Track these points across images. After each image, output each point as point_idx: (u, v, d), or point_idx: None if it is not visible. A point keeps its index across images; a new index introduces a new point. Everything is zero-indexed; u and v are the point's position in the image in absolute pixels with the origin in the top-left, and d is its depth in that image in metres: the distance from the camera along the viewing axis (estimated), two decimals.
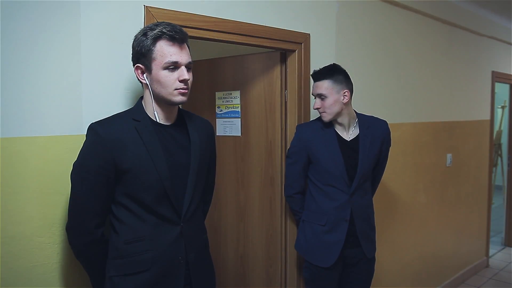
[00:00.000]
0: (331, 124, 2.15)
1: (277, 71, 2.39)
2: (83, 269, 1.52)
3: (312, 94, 2.18)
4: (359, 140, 2.16)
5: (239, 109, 2.56)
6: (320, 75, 2.12)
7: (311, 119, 2.43)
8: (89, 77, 1.58)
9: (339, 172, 2.11)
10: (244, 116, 2.53)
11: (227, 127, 2.63)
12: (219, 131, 2.63)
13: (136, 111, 1.47)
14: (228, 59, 2.59)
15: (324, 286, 2.16)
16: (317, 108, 2.11)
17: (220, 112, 2.64)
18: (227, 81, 2.59)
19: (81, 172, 1.39)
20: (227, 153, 2.59)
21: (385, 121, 2.28)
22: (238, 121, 2.57)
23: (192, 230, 1.51)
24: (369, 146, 2.16)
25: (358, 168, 2.13)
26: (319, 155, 2.13)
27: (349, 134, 2.17)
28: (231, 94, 2.57)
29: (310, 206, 2.19)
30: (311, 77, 2.18)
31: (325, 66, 2.14)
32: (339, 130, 2.16)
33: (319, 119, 2.19)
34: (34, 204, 1.47)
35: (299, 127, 2.25)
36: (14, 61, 1.41)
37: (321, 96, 2.09)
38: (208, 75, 2.65)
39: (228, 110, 2.60)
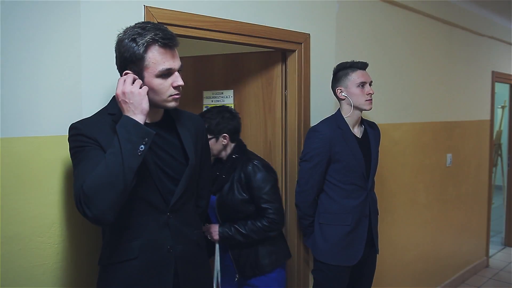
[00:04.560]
0: (344, 122, 2.17)
1: (277, 70, 2.38)
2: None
3: (361, 82, 2.14)
4: (368, 136, 2.26)
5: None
6: (366, 65, 2.21)
7: (311, 120, 2.43)
8: (89, 77, 1.58)
9: (361, 169, 2.16)
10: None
11: None
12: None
13: (110, 107, 1.45)
14: (218, 57, 2.47)
15: (340, 285, 2.18)
16: (371, 94, 2.16)
17: None
18: (217, 79, 2.47)
19: (76, 146, 1.34)
20: None
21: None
22: None
23: (179, 221, 1.49)
24: (374, 143, 2.28)
25: (371, 164, 2.22)
26: (342, 154, 2.13)
27: (358, 131, 2.24)
28: (222, 93, 2.47)
29: (330, 208, 2.17)
30: (358, 66, 2.17)
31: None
32: (351, 127, 2.20)
33: (329, 119, 2.21)
34: (34, 204, 1.47)
35: (317, 128, 2.19)
36: (14, 61, 1.41)
37: (371, 83, 2.18)
38: (194, 73, 2.50)
39: None
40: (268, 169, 2.07)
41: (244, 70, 2.44)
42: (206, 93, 2.51)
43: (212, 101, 2.49)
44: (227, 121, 2.04)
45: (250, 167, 2.02)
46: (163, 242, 1.45)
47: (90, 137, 1.34)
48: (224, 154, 2.10)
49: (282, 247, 2.15)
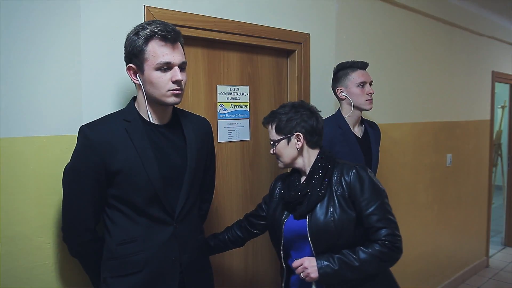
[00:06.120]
0: (345, 122, 2.17)
1: (285, 69, 2.37)
2: (82, 268, 1.52)
3: (361, 82, 2.13)
4: (368, 136, 2.24)
5: (247, 108, 2.21)
6: (366, 64, 2.17)
7: None
8: (89, 77, 1.58)
9: None
10: (254, 116, 2.25)
11: (233, 130, 2.16)
12: (222, 137, 2.12)
13: (127, 112, 1.45)
14: (234, 46, 2.15)
15: None
16: (371, 94, 2.15)
17: (224, 112, 2.12)
18: (232, 73, 2.17)
19: (71, 174, 1.38)
20: (233, 160, 2.19)
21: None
22: (246, 123, 2.21)
23: (186, 230, 1.49)
24: (375, 142, 2.27)
25: (372, 163, 2.21)
26: (342, 154, 2.08)
27: (359, 130, 2.24)
28: (238, 89, 2.17)
29: None
30: (358, 65, 2.16)
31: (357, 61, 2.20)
32: (351, 127, 2.19)
33: (330, 119, 2.20)
34: (34, 204, 1.47)
35: None
36: (14, 61, 1.41)
37: (371, 83, 2.16)
38: (206, 64, 2.06)
39: (235, 109, 2.16)
40: (375, 176, 1.59)
41: (259, 65, 2.27)
42: (220, 88, 2.11)
43: (227, 98, 2.13)
44: (301, 117, 1.58)
45: (353, 173, 1.53)
46: (170, 253, 1.45)
47: (96, 153, 1.35)
48: (302, 164, 1.61)
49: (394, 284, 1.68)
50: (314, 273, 1.45)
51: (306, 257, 1.49)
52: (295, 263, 1.50)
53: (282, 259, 1.62)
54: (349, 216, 1.49)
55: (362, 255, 1.45)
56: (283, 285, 1.65)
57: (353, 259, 1.44)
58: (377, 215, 1.48)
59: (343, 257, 1.45)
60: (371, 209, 1.48)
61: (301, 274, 1.48)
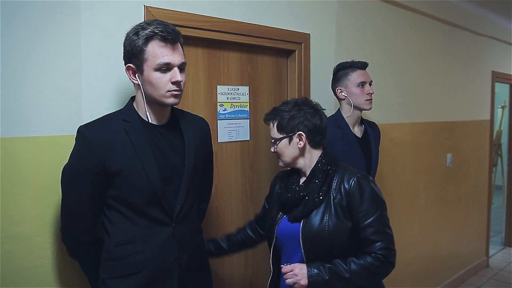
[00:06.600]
0: (345, 122, 2.16)
1: (285, 69, 2.37)
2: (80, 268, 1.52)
3: (361, 82, 2.13)
4: (368, 136, 2.24)
5: (247, 108, 2.22)
6: (366, 64, 2.16)
7: None
8: (89, 77, 1.58)
9: (361, 169, 2.10)
10: (254, 116, 2.25)
11: (233, 130, 2.16)
12: (222, 137, 2.12)
13: (126, 112, 1.45)
14: (234, 46, 2.15)
15: None
16: (371, 94, 2.14)
17: (224, 112, 2.12)
18: (232, 73, 2.16)
19: (69, 175, 1.38)
20: (233, 161, 2.18)
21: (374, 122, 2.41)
22: (246, 123, 2.22)
23: (185, 230, 1.49)
24: (375, 142, 2.27)
25: (372, 163, 2.20)
26: (342, 154, 2.02)
27: (358, 130, 2.23)
28: (238, 89, 2.18)
29: None
30: (358, 65, 2.15)
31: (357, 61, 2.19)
32: (351, 127, 2.19)
33: (329, 119, 2.15)
34: (34, 204, 1.47)
35: None
36: (15, 61, 1.41)
37: (371, 83, 2.16)
38: (207, 63, 2.06)
39: (235, 109, 2.16)
40: (377, 186, 1.54)
41: (259, 65, 2.27)
42: (220, 88, 2.11)
43: (227, 98, 2.13)
44: (304, 115, 1.53)
45: (354, 181, 1.48)
46: (169, 254, 1.45)
47: (95, 154, 1.34)
48: (303, 164, 1.57)
49: None
50: (303, 280, 1.43)
51: (297, 264, 1.47)
52: (285, 269, 1.48)
53: (271, 260, 1.60)
54: (344, 225, 1.46)
55: (353, 266, 1.43)
56: (268, 286, 1.64)
57: (344, 270, 1.43)
58: (373, 228, 1.45)
59: (334, 267, 1.43)
60: (368, 221, 1.45)
61: (290, 280, 1.45)
